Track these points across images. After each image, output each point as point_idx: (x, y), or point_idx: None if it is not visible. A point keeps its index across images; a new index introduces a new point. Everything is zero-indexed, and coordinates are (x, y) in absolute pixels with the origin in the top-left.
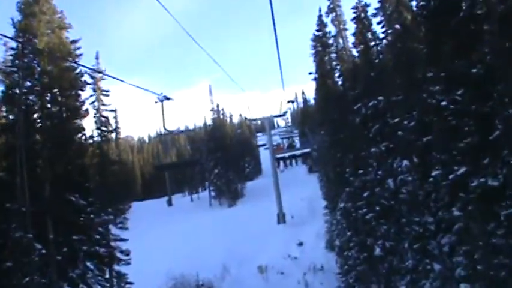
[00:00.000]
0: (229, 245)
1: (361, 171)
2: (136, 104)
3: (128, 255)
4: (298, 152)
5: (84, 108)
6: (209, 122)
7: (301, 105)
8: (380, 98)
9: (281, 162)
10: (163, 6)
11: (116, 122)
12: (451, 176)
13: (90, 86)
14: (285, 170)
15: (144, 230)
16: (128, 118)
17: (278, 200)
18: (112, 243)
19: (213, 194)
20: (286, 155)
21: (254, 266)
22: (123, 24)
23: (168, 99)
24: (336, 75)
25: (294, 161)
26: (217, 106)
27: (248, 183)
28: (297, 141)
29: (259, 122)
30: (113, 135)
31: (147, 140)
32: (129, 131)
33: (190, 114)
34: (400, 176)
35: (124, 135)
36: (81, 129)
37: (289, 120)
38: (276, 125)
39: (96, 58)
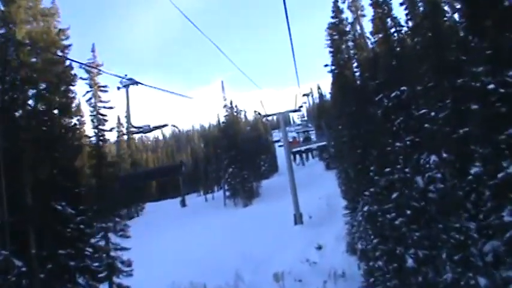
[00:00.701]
0: (244, 248)
1: (388, 169)
2: (152, 103)
3: (129, 265)
4: (314, 146)
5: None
6: (222, 119)
7: (317, 100)
8: (403, 88)
9: (297, 156)
10: (176, 6)
11: (128, 122)
12: (500, 175)
13: (86, 81)
14: (302, 167)
15: (155, 234)
16: (144, 117)
17: (295, 200)
18: (112, 253)
19: (228, 193)
20: (302, 148)
21: (270, 272)
22: (134, 28)
23: (136, 83)
24: (354, 65)
25: (310, 155)
26: (231, 103)
27: (264, 181)
28: (313, 135)
29: (274, 118)
30: (125, 136)
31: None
32: None
33: (205, 112)
34: (428, 172)
35: (138, 135)
36: (72, 128)
37: (305, 115)
38: (291, 121)
39: (92, 51)
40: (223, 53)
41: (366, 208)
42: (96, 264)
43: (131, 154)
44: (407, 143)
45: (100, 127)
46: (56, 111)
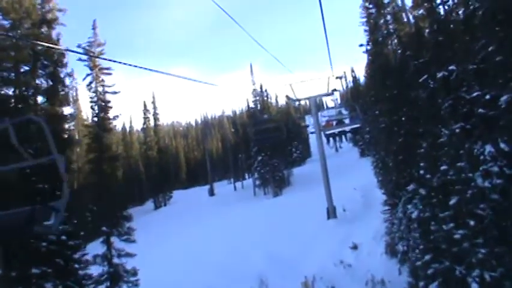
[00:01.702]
0: (271, 246)
1: (444, 167)
2: (183, 89)
3: (134, 274)
4: (347, 128)
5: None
6: (251, 104)
7: (351, 84)
8: (452, 67)
9: (330, 140)
10: None
11: (155, 108)
12: None
13: (85, 63)
14: (335, 153)
15: (178, 227)
16: (174, 104)
17: (328, 193)
18: (116, 260)
19: (258, 182)
20: (336, 131)
21: (299, 275)
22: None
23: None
24: (394, 42)
25: (344, 138)
26: (261, 87)
27: (296, 169)
28: (346, 119)
29: (307, 102)
30: (152, 121)
31: (194, 125)
32: (176, 117)
33: (236, 98)
34: (482, 165)
35: (170, 121)
36: (59, 118)
37: (339, 99)
38: (325, 106)
39: (93, 28)
40: (251, 36)
41: (414, 214)
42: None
43: (158, 141)
44: (456, 130)
45: (102, 115)
46: (40, 98)
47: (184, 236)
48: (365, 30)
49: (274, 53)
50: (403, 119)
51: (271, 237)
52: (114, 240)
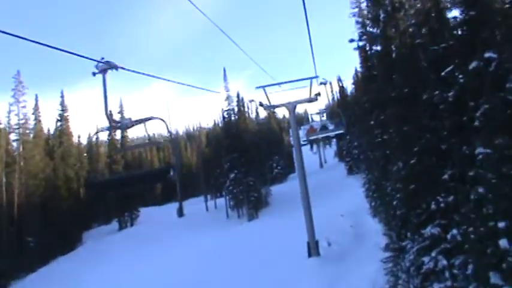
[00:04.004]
0: None
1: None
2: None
3: None
4: (332, 134)
5: None
6: (225, 114)
7: (337, 95)
8: (490, 54)
9: (314, 145)
10: (194, 4)
11: (122, 117)
12: None
13: None
14: (320, 170)
15: (136, 254)
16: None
17: (309, 223)
18: None
19: (231, 202)
20: (319, 136)
21: None
22: (152, 29)
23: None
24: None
25: (328, 147)
26: (238, 95)
27: (276, 187)
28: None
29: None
30: (118, 132)
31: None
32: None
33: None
34: None
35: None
36: None
37: (324, 116)
38: (310, 119)
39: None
40: (239, 46)
41: (428, 262)
42: None
43: (124, 155)
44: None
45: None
46: None
47: (138, 264)
48: (357, 22)
49: (263, 66)
50: (416, 129)
51: (237, 278)
52: None
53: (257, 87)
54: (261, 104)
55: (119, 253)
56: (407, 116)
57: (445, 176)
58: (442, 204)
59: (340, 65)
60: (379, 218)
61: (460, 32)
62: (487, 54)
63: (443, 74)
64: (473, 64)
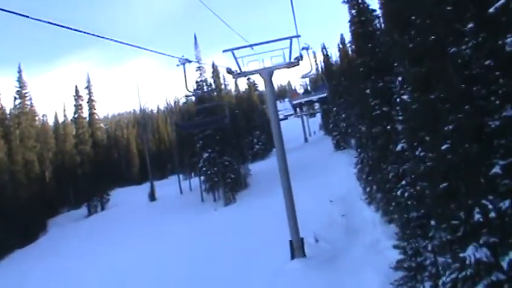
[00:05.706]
0: None
1: None
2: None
3: None
4: (314, 98)
5: None
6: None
7: (322, 65)
8: None
9: (297, 110)
10: None
11: (90, 93)
12: None
13: None
14: (304, 145)
15: (101, 244)
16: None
17: (291, 217)
18: None
19: (207, 184)
20: (303, 100)
21: None
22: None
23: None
24: None
25: (311, 110)
26: (213, 65)
27: (257, 164)
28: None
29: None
30: (86, 110)
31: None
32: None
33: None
34: None
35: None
36: None
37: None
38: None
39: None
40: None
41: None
42: None
43: (92, 134)
44: None
45: None
46: None
47: (102, 256)
48: None
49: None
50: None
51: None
52: None
53: (224, 51)
54: (229, 71)
55: (77, 245)
56: (434, 78)
57: (496, 170)
58: (492, 213)
59: (325, 36)
60: (376, 207)
61: None
62: None
63: (491, 10)
64: None
